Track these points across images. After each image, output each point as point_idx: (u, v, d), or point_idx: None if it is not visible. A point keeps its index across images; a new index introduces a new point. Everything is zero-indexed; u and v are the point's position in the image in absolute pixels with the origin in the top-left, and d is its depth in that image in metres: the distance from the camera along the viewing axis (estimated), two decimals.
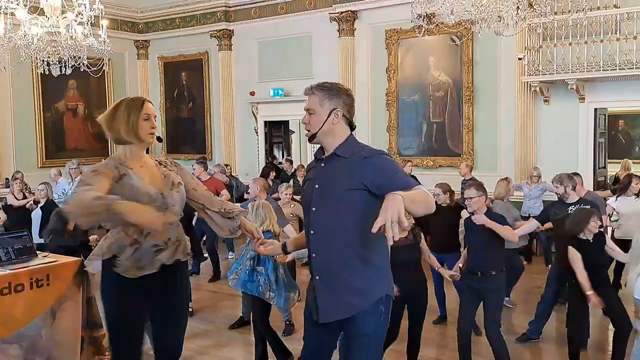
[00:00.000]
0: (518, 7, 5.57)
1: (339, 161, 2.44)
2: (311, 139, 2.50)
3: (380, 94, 10.67)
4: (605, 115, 9.40)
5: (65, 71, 7.78)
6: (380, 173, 2.33)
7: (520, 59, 8.74)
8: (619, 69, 7.98)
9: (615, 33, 8.11)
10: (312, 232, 2.48)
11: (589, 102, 8.80)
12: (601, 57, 8.12)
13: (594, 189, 8.29)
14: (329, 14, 10.84)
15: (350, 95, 2.52)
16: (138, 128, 2.68)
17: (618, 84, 8.50)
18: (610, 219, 6.26)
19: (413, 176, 6.89)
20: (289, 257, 4.37)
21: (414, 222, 4.15)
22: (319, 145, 2.56)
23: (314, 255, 2.47)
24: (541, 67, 8.61)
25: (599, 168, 9.14)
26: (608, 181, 9.95)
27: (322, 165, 2.50)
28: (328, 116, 2.44)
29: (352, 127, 2.53)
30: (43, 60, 7.59)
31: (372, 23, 10.63)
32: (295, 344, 4.44)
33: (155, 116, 2.81)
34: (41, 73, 8.25)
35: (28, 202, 8.18)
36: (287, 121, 12.91)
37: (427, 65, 10.14)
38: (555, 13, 8.40)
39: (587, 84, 8.62)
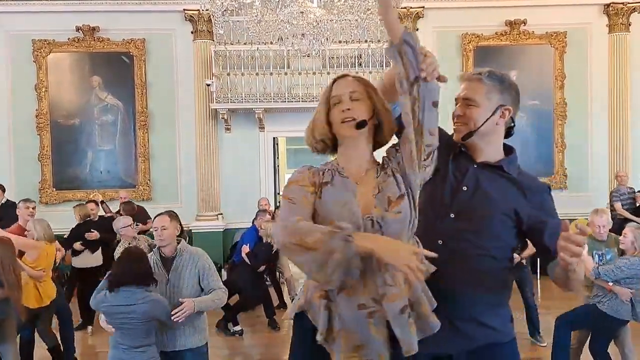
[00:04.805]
0: None
1: (498, 175, 1.97)
2: (466, 137, 1.96)
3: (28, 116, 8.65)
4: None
5: None
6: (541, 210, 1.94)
7: (208, 85, 8.20)
8: (295, 101, 8.30)
9: (284, 67, 8.43)
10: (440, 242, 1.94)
11: (268, 131, 8.88)
12: (272, 89, 8.32)
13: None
14: None
15: (518, 91, 2.01)
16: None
17: (290, 115, 8.77)
18: None
19: None
20: None
21: None
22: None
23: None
24: (230, 95, 8.28)
25: (279, 193, 9.39)
26: None
27: (475, 166, 1.98)
28: (493, 113, 1.93)
29: (509, 134, 2.05)
30: None
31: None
32: None
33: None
34: None
35: None
36: None
37: (91, 85, 8.65)
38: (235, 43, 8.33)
39: (267, 113, 8.66)
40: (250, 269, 6.24)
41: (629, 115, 8.94)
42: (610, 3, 8.76)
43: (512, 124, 2.02)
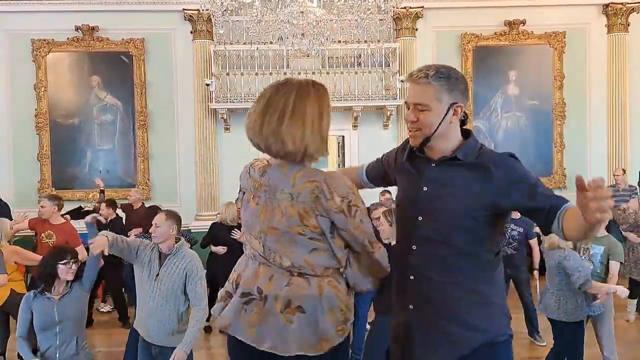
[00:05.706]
0: None
1: (457, 167, 1.91)
2: (424, 143, 1.93)
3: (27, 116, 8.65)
4: None
5: None
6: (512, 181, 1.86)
7: (207, 84, 8.21)
8: None
9: (284, 67, 8.45)
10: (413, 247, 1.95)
11: None
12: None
13: None
14: None
15: (466, 82, 1.95)
16: None
17: None
18: None
19: None
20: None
21: None
22: None
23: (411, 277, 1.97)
24: (229, 95, 8.30)
25: None
26: None
27: (433, 165, 1.95)
28: (446, 113, 1.88)
29: (464, 122, 1.97)
30: None
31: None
32: None
33: None
34: None
35: None
36: None
37: (90, 84, 8.66)
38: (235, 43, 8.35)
39: None
40: (224, 258, 6.16)
41: (627, 115, 8.95)
42: (609, 3, 8.77)
43: (464, 116, 1.98)
